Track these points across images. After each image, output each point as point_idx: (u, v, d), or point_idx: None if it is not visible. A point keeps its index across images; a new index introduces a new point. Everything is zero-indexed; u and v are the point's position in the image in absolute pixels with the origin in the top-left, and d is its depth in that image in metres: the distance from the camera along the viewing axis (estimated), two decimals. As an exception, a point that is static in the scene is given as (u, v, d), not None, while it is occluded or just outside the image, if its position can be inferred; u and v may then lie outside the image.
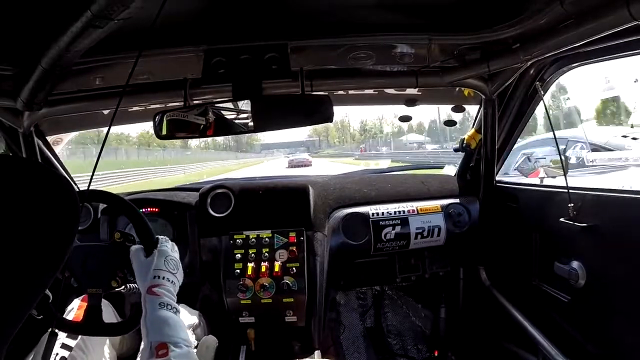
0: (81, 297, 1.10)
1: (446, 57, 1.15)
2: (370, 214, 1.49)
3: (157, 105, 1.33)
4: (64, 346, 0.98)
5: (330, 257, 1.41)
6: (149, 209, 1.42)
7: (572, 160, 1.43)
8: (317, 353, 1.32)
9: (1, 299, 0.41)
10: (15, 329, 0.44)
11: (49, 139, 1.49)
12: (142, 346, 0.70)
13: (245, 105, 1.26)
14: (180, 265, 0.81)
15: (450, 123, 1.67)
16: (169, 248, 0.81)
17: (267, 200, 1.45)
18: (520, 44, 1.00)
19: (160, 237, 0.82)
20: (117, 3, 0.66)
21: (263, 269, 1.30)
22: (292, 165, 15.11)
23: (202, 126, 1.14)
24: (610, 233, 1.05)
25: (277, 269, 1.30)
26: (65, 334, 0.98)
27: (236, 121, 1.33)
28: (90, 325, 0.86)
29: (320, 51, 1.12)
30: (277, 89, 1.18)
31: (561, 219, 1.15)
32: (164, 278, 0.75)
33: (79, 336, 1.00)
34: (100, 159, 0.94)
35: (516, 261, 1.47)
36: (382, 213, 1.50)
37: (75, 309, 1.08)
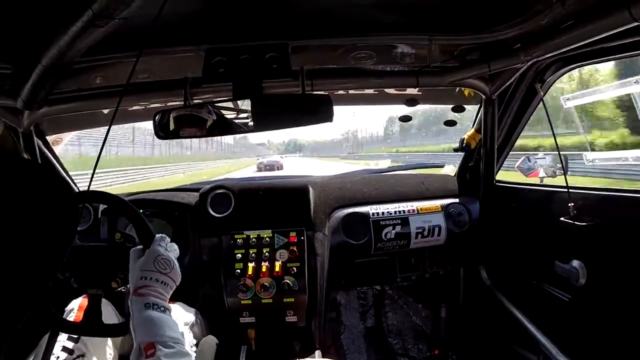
0: (81, 298, 1.09)
1: (447, 57, 1.15)
2: (371, 214, 1.49)
3: (157, 105, 1.32)
4: (65, 349, 0.97)
5: (330, 257, 1.41)
6: (149, 210, 1.42)
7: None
8: (317, 353, 1.32)
9: (0, 300, 0.41)
10: (14, 329, 0.44)
11: (49, 138, 1.49)
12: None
13: (245, 104, 1.26)
14: (176, 264, 0.80)
15: (450, 123, 1.68)
16: (163, 247, 0.80)
17: (267, 200, 1.45)
18: (521, 44, 1.01)
19: (157, 235, 0.82)
20: (118, 2, 0.66)
21: (264, 269, 1.30)
22: (261, 168, 13.79)
23: (202, 125, 1.14)
24: (610, 232, 1.06)
25: (277, 268, 1.30)
26: (66, 337, 0.97)
27: (236, 121, 1.33)
28: (90, 326, 0.85)
29: (320, 51, 1.12)
30: (277, 88, 1.18)
31: (561, 219, 1.15)
32: (151, 279, 0.74)
33: (80, 338, 0.99)
34: (100, 159, 0.94)
35: (516, 261, 1.47)
36: (383, 213, 1.50)
37: (75, 310, 1.07)
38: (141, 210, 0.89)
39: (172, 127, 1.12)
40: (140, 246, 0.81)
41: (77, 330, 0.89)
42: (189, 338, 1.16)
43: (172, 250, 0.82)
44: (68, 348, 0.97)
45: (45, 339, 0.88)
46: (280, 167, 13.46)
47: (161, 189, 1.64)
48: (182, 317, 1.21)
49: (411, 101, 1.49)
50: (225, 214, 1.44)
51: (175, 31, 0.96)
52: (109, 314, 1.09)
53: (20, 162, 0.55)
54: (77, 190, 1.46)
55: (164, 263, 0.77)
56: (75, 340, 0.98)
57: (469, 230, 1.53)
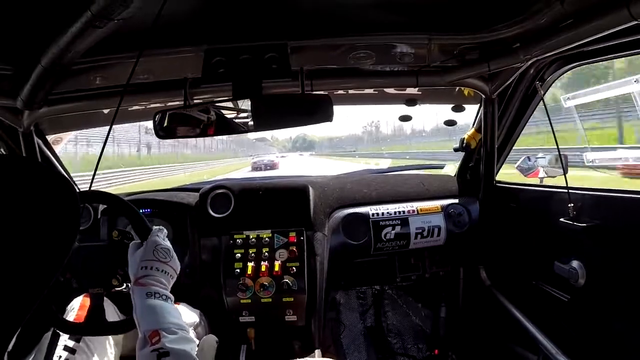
0: (81, 297, 1.09)
1: (446, 56, 1.15)
2: (371, 214, 1.49)
3: (157, 105, 1.33)
4: (67, 348, 0.97)
5: (330, 257, 1.41)
6: (149, 210, 1.42)
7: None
8: (317, 352, 1.32)
9: (2, 300, 0.41)
10: (16, 329, 0.44)
11: (49, 138, 1.49)
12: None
13: (245, 104, 1.26)
14: (174, 254, 0.80)
15: (450, 123, 1.67)
16: (161, 238, 0.80)
17: (267, 200, 1.45)
18: (521, 43, 1.00)
19: (154, 226, 0.82)
20: (117, 3, 0.66)
21: (263, 269, 1.30)
22: (256, 167, 13.42)
23: (202, 124, 1.14)
24: (610, 233, 1.05)
25: (277, 268, 1.30)
26: (67, 335, 0.97)
27: (236, 120, 1.33)
28: (94, 325, 0.86)
29: (320, 51, 1.12)
30: (277, 88, 1.18)
31: (561, 219, 1.15)
32: (152, 268, 0.74)
33: (81, 337, 1.00)
34: (101, 159, 0.94)
35: (516, 261, 1.47)
36: (382, 213, 1.50)
37: (76, 309, 1.07)
38: (141, 210, 0.89)
39: (169, 127, 1.13)
40: (139, 241, 0.82)
41: (81, 330, 0.89)
42: (192, 336, 1.16)
43: (167, 240, 0.81)
44: (69, 347, 0.97)
45: (47, 338, 0.88)
46: (273, 167, 13.11)
47: (161, 189, 1.64)
48: (185, 317, 1.21)
49: (411, 101, 1.49)
50: (225, 214, 1.44)
51: (174, 32, 0.96)
52: (111, 313, 1.10)
53: (23, 162, 0.55)
54: (78, 190, 1.46)
55: (163, 252, 0.77)
56: (77, 340, 0.99)
57: (469, 230, 1.53)
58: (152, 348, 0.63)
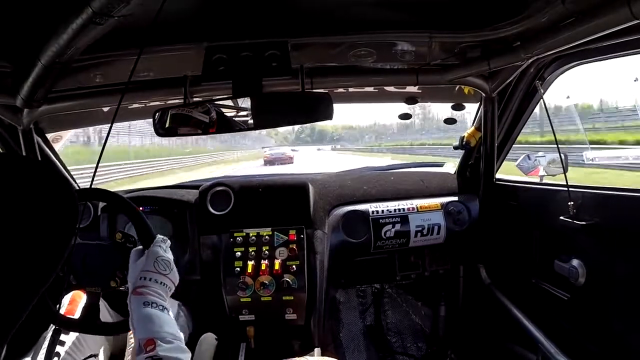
0: (71, 293, 1.09)
1: (447, 55, 1.15)
2: (370, 212, 1.49)
3: (157, 103, 1.32)
4: (59, 342, 0.97)
5: (330, 255, 1.41)
6: (148, 207, 1.42)
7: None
8: (316, 351, 1.32)
9: (0, 297, 0.41)
10: (15, 326, 0.44)
11: (49, 136, 1.49)
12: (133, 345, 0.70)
13: (245, 102, 1.25)
14: (174, 266, 0.80)
15: (450, 121, 1.67)
16: (162, 249, 0.80)
17: (267, 197, 1.45)
18: (521, 42, 1.00)
19: (158, 236, 0.82)
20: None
21: (263, 267, 1.30)
22: (269, 161, 12.14)
23: (202, 122, 1.14)
24: (610, 231, 1.05)
25: (277, 266, 1.30)
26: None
27: (236, 119, 1.33)
28: (88, 324, 0.86)
29: (320, 49, 1.12)
30: (277, 86, 1.18)
31: (561, 217, 1.15)
32: (150, 279, 0.75)
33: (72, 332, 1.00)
34: (101, 158, 0.94)
35: (516, 259, 1.47)
36: (382, 211, 1.50)
37: (65, 304, 1.07)
38: (141, 208, 0.89)
39: (169, 125, 1.13)
40: (141, 247, 0.82)
41: (75, 327, 0.89)
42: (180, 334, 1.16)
43: (169, 252, 0.82)
44: (62, 341, 0.97)
45: (47, 336, 0.88)
46: (290, 162, 12.00)
47: (161, 186, 1.64)
48: None
49: (411, 99, 1.48)
50: (224, 212, 1.44)
51: (175, 29, 0.96)
52: (103, 312, 1.10)
53: (22, 160, 0.55)
54: (78, 188, 1.46)
55: (163, 264, 0.78)
56: (69, 334, 0.99)
57: (469, 228, 1.53)
58: (147, 356, 0.64)
